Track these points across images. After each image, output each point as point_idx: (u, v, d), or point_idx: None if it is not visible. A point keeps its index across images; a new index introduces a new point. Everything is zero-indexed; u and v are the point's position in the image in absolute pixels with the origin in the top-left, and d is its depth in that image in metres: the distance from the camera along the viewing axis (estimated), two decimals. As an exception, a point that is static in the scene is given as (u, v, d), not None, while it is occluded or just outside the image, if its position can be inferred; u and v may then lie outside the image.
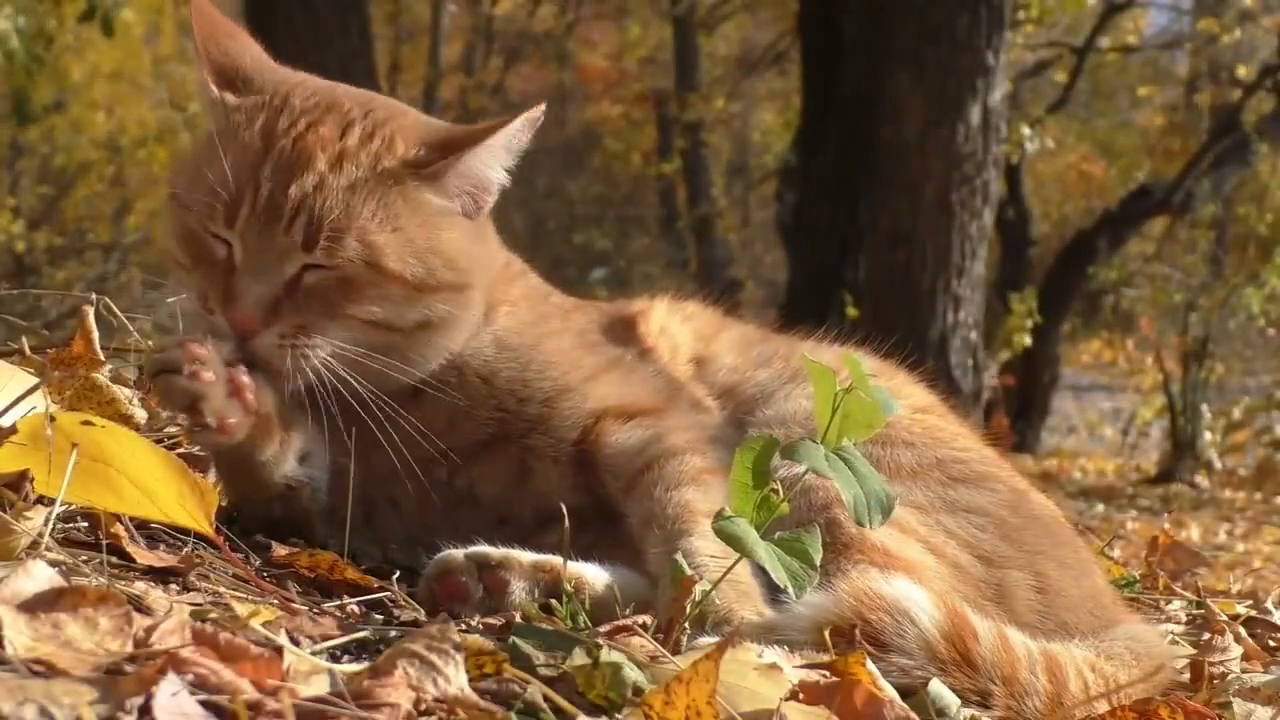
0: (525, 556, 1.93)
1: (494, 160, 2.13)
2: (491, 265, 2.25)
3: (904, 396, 2.31)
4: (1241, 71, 16.42)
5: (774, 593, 1.81)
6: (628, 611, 1.83)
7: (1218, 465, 14.54)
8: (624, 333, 2.36)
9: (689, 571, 1.77)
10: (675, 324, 2.44)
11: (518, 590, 1.90)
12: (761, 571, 1.79)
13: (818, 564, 1.76)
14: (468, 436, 2.18)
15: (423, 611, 1.86)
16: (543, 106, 2.13)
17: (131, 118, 20.10)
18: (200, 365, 1.95)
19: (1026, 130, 15.14)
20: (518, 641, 1.59)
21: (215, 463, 2.16)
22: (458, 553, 1.92)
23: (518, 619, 1.76)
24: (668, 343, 2.40)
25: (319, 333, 2.05)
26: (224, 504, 2.09)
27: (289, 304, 2.03)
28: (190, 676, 1.32)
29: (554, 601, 1.88)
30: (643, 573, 1.98)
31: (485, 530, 2.05)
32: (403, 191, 2.08)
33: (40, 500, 1.88)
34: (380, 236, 2.05)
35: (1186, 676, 2.11)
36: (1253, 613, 2.73)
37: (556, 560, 1.91)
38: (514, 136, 2.12)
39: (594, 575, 1.94)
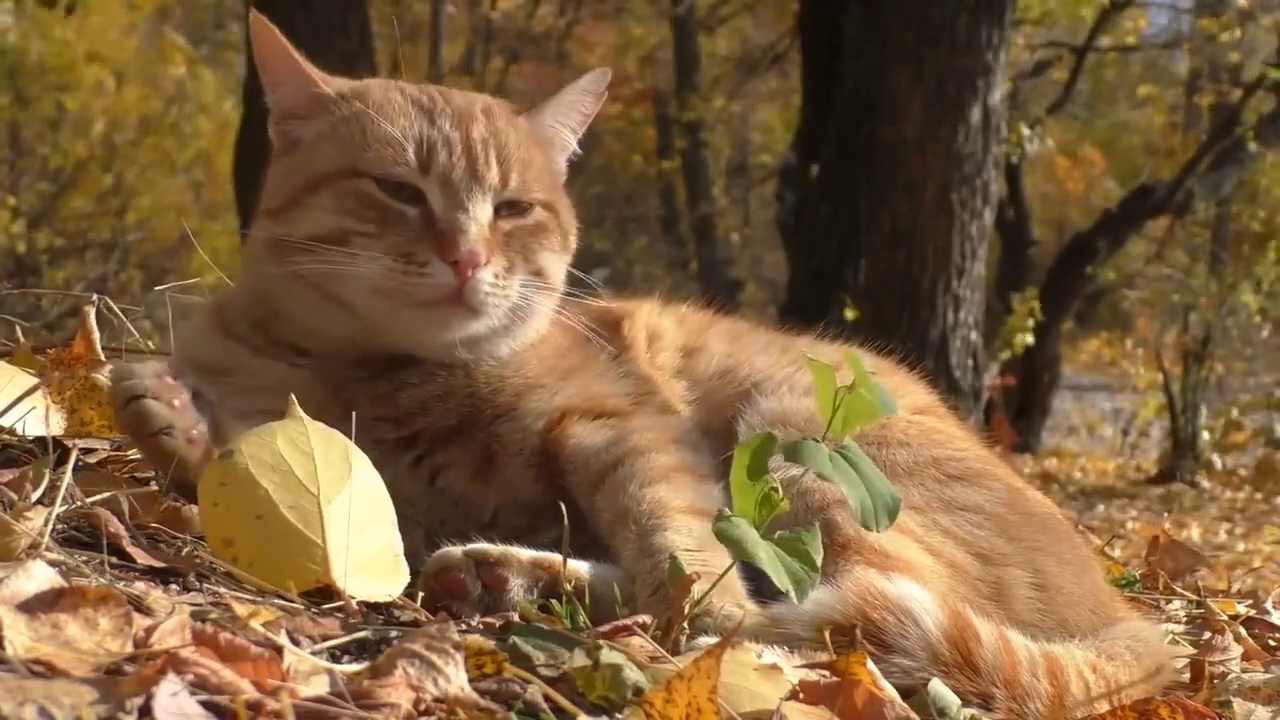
0: (524, 554, 1.93)
1: (563, 119, 2.31)
2: None
3: (904, 396, 2.30)
4: (1236, 57, 16.40)
5: (772, 592, 1.81)
6: (627, 611, 1.83)
7: (1218, 465, 14.54)
8: (608, 333, 2.36)
9: (688, 571, 1.77)
10: (664, 321, 2.45)
11: (516, 587, 1.90)
12: (761, 572, 1.78)
13: (819, 565, 1.75)
14: (437, 421, 2.17)
15: (423, 612, 1.86)
16: (606, 71, 2.32)
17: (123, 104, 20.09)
18: (171, 393, 1.97)
19: (1026, 130, 15.14)
20: (518, 641, 1.59)
21: (177, 479, 2.12)
22: (456, 549, 1.92)
23: (517, 619, 1.76)
24: (652, 337, 2.40)
25: (515, 275, 2.15)
26: None
27: (495, 244, 2.11)
28: (190, 676, 1.32)
29: (554, 602, 1.88)
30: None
31: (471, 531, 2.05)
32: (538, 146, 2.25)
33: (40, 500, 1.88)
34: (545, 173, 2.23)
35: (1187, 676, 2.11)
36: (1253, 612, 2.73)
37: (555, 558, 1.91)
38: (579, 96, 2.31)
39: (593, 573, 1.94)
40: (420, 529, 2.07)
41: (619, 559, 1.97)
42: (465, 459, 2.17)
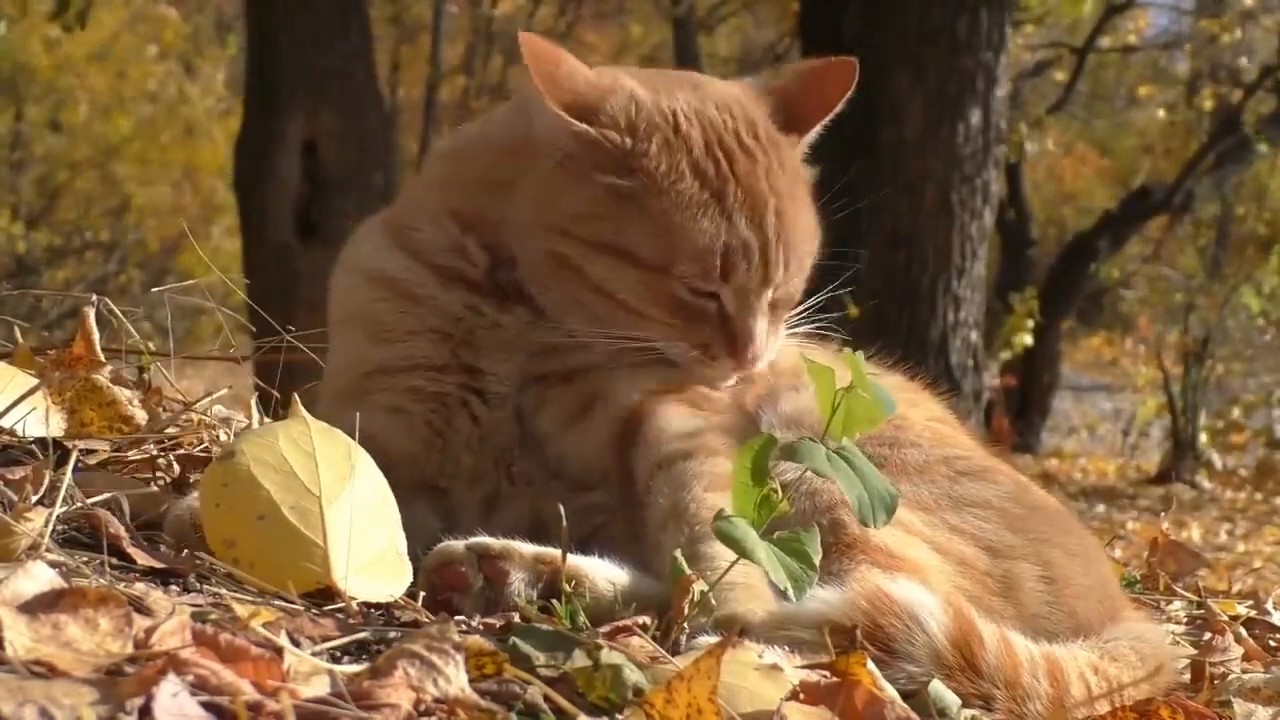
0: (526, 548, 1.92)
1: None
2: None
3: (918, 405, 2.32)
4: (1243, 62, 16.42)
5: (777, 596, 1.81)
6: (629, 611, 1.83)
7: (1218, 465, 14.55)
8: None
9: (688, 571, 1.77)
10: None
11: (517, 581, 1.89)
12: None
13: (817, 565, 1.75)
14: (557, 364, 2.19)
15: (423, 613, 1.86)
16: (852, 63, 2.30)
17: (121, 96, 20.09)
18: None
19: (1026, 130, 15.14)
20: (518, 642, 1.59)
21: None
22: (457, 543, 1.92)
23: (518, 619, 1.76)
24: None
25: (781, 333, 2.23)
26: None
27: (769, 328, 2.18)
28: (190, 677, 1.32)
29: (554, 602, 1.87)
30: (648, 565, 1.97)
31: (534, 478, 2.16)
32: (799, 179, 2.23)
33: (40, 501, 1.88)
34: (813, 228, 2.24)
35: (1187, 677, 2.11)
36: (1253, 613, 2.73)
37: (557, 553, 1.91)
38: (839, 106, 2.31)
39: (595, 571, 1.93)
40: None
41: (659, 552, 1.96)
42: (563, 408, 2.19)
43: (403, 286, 2.24)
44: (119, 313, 2.81)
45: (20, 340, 2.77)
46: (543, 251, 2.16)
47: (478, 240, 2.23)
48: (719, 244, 2.09)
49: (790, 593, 1.73)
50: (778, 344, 2.22)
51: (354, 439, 1.91)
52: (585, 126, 2.09)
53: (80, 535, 1.91)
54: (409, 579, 1.87)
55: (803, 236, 2.19)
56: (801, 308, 2.29)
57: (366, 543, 1.83)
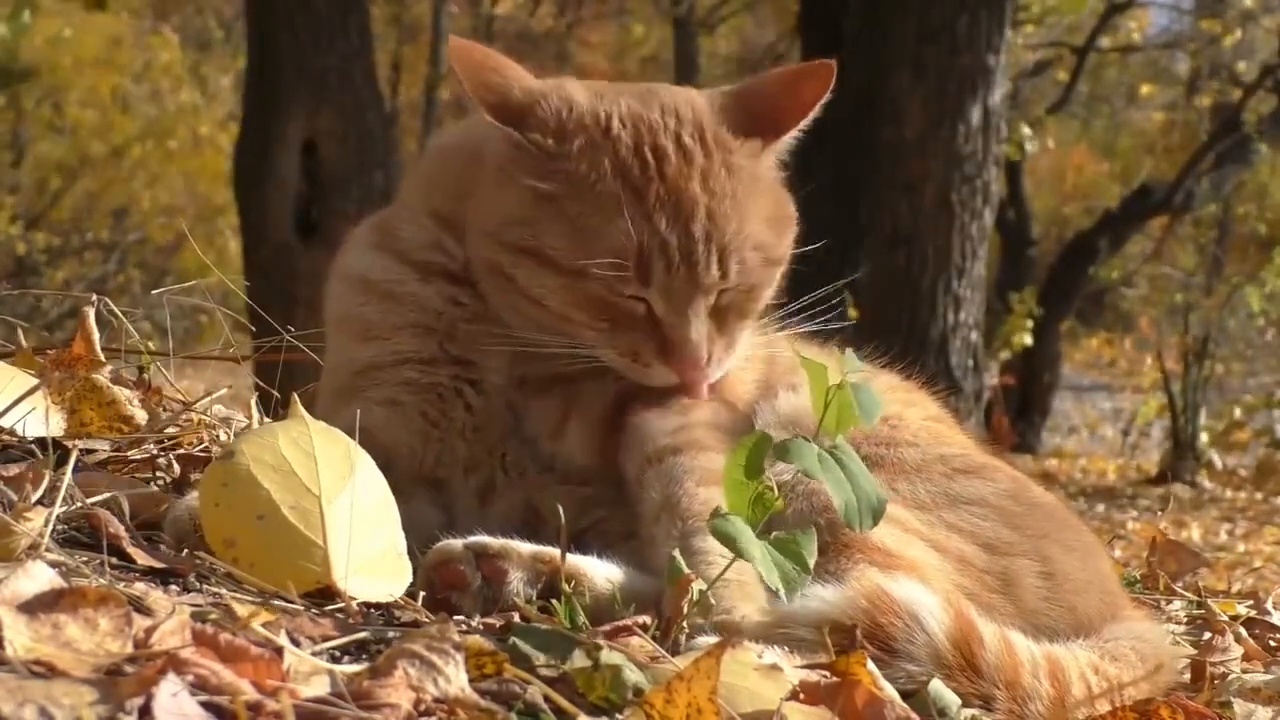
0: (524, 547, 1.93)
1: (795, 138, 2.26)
2: None
3: (915, 404, 2.32)
4: (1241, 68, 16.42)
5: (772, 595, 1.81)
6: (628, 610, 1.83)
7: (1218, 465, 14.54)
8: None
9: (686, 570, 1.77)
10: None
11: (516, 580, 1.90)
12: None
13: (811, 565, 1.75)
14: (534, 370, 2.19)
15: (423, 612, 1.86)
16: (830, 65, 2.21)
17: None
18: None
19: (1026, 130, 15.14)
20: (518, 642, 1.59)
21: None
22: (456, 542, 1.92)
23: (517, 619, 1.76)
24: None
25: (737, 343, 2.16)
26: None
27: (714, 329, 2.12)
28: (190, 677, 1.32)
29: (553, 601, 1.87)
30: (642, 560, 1.97)
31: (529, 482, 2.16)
32: (753, 175, 2.15)
33: (40, 501, 1.88)
34: (765, 232, 2.15)
35: (1187, 677, 2.11)
36: (1253, 613, 2.73)
37: (556, 552, 1.91)
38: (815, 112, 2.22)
39: (594, 569, 1.93)
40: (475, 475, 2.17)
41: (652, 546, 1.97)
42: (549, 410, 2.20)
43: (383, 288, 2.25)
44: (119, 313, 2.81)
45: (20, 340, 2.78)
46: (483, 259, 2.17)
47: (455, 238, 2.25)
48: (634, 244, 2.05)
49: (782, 594, 1.73)
50: (734, 351, 2.17)
51: (353, 437, 1.91)
52: (510, 130, 2.08)
53: (80, 535, 1.91)
54: (409, 579, 1.87)
55: (747, 239, 2.11)
56: (799, 307, 2.29)
57: (366, 542, 1.83)
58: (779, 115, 2.20)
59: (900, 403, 2.26)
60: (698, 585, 1.76)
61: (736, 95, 2.23)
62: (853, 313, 9.85)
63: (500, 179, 2.13)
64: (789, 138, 2.22)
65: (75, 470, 1.97)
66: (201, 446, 2.46)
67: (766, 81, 2.28)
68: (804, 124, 2.22)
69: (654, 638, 1.70)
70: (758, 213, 2.14)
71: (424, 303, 2.23)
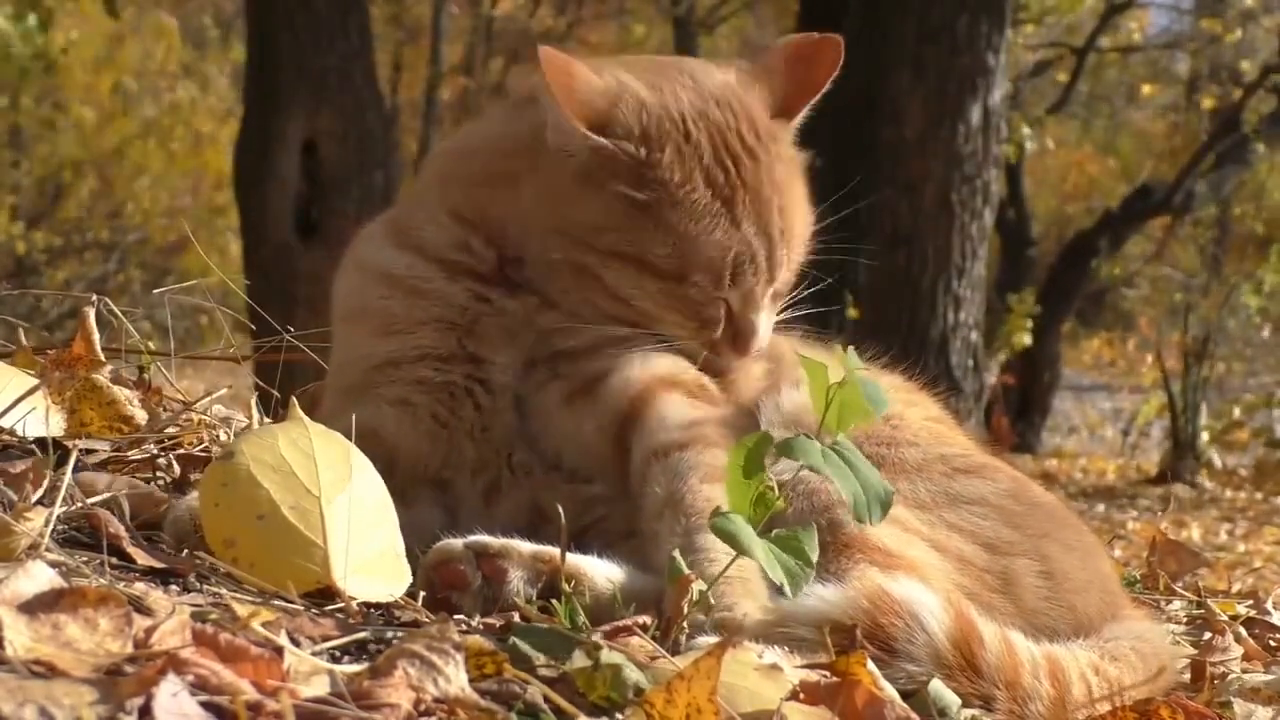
0: (524, 547, 1.93)
1: None
2: None
3: (916, 404, 2.32)
4: (1245, 66, 16.42)
5: (774, 593, 1.81)
6: (629, 610, 1.83)
7: (1218, 464, 14.54)
8: None
9: (686, 570, 1.77)
10: None
11: (516, 580, 1.90)
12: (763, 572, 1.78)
13: (814, 562, 1.75)
14: (566, 343, 2.21)
15: (423, 612, 1.86)
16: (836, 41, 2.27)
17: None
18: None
19: (1026, 130, 15.14)
20: (518, 642, 1.59)
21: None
22: (456, 541, 1.92)
23: (518, 619, 1.76)
24: None
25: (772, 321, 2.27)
26: None
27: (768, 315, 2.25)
28: (190, 677, 1.32)
29: (553, 601, 1.87)
30: (643, 557, 1.97)
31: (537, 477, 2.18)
32: (794, 166, 2.26)
33: (40, 501, 1.88)
34: (808, 216, 2.28)
35: (1187, 677, 2.11)
36: (1253, 613, 2.73)
37: (556, 551, 1.91)
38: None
39: (594, 569, 1.93)
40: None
41: (654, 542, 1.96)
42: (553, 394, 2.21)
43: (408, 283, 2.25)
44: (119, 313, 2.81)
45: (21, 340, 2.78)
46: (559, 258, 2.18)
47: (482, 238, 2.24)
48: (730, 254, 2.15)
49: (787, 589, 1.73)
50: (770, 326, 2.28)
51: (352, 439, 1.91)
52: (603, 140, 2.11)
53: (80, 535, 1.91)
54: (408, 580, 1.87)
55: (801, 229, 2.25)
56: (797, 304, 2.31)
57: (366, 543, 1.83)
58: (795, 94, 2.27)
59: (901, 403, 2.26)
60: (698, 585, 1.76)
61: (756, 75, 2.27)
62: (853, 313, 9.86)
63: (581, 184, 2.14)
64: (802, 114, 2.29)
65: (75, 470, 1.97)
66: (201, 446, 2.46)
67: (779, 58, 2.29)
68: (816, 100, 2.28)
69: (654, 637, 1.70)
70: (802, 198, 2.26)
71: (450, 298, 2.24)
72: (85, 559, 1.76)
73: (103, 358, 2.51)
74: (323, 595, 1.79)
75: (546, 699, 1.49)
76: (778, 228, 2.18)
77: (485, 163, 2.27)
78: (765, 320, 2.23)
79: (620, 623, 1.71)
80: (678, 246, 2.13)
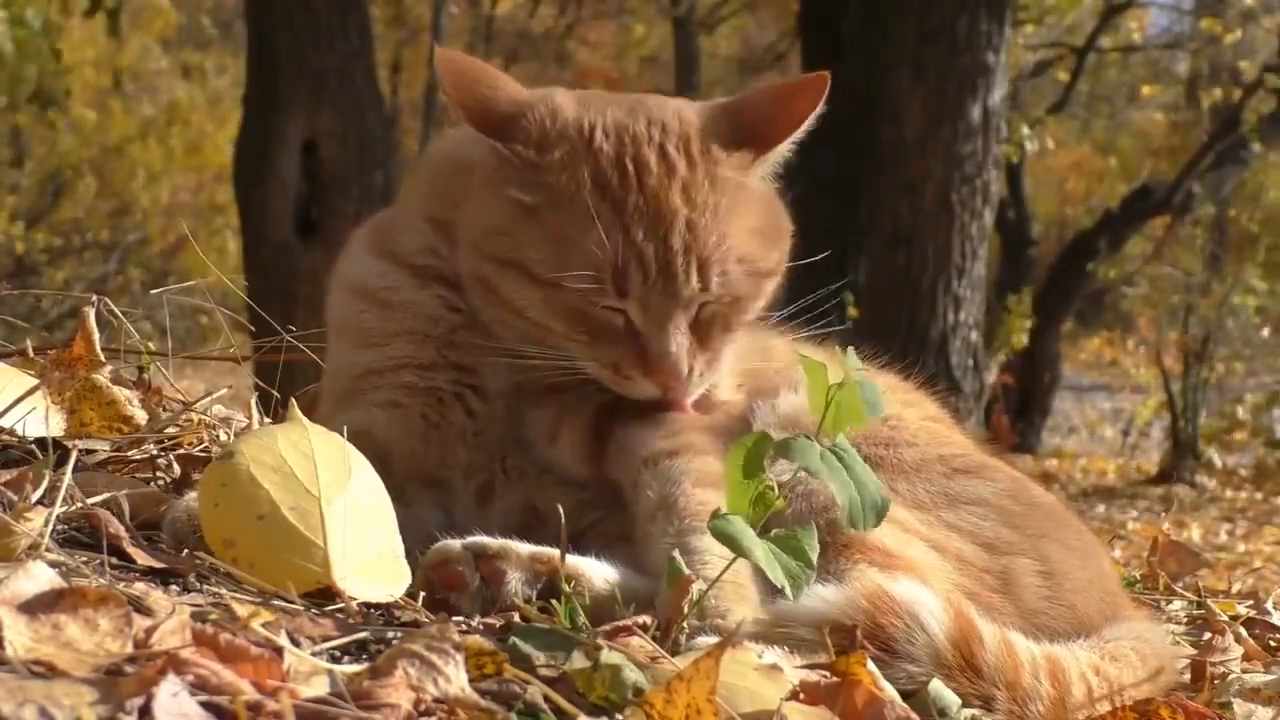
0: (523, 548, 1.93)
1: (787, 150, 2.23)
2: None
3: (914, 404, 2.32)
4: (1245, 66, 16.41)
5: (773, 594, 1.81)
6: (628, 610, 1.83)
7: (1218, 464, 14.54)
8: None
9: (686, 571, 1.77)
10: None
11: (514, 580, 1.90)
12: (760, 573, 1.78)
13: (814, 563, 1.75)
14: (528, 379, 2.19)
15: (423, 613, 1.86)
16: (824, 77, 2.19)
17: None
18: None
19: (1026, 130, 15.15)
20: (518, 642, 1.59)
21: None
22: (455, 542, 1.92)
23: (517, 619, 1.76)
24: None
25: (722, 356, 2.15)
26: None
27: (696, 343, 2.10)
28: (190, 677, 1.32)
29: (553, 602, 1.87)
30: (638, 561, 1.97)
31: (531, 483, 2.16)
32: (740, 187, 2.13)
33: (40, 501, 1.88)
34: (751, 244, 2.12)
35: (1187, 677, 2.11)
36: (1253, 613, 2.73)
37: (554, 552, 1.91)
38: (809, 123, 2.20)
39: (592, 570, 1.93)
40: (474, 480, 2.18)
41: (647, 545, 1.96)
42: (544, 416, 2.20)
43: (380, 296, 2.25)
44: (119, 313, 2.81)
45: (21, 340, 2.78)
46: (468, 270, 2.17)
47: (449, 244, 2.24)
48: (611, 258, 2.03)
49: (788, 591, 1.73)
50: (719, 365, 2.16)
51: (351, 442, 1.92)
52: (494, 142, 2.07)
53: (80, 535, 1.91)
54: (407, 581, 1.87)
55: (730, 251, 2.08)
56: (797, 308, 2.30)
57: (365, 543, 1.84)
58: (771, 127, 2.18)
59: (900, 403, 2.26)
60: (698, 586, 1.76)
61: (728, 107, 2.22)
62: (853, 313, 9.87)
63: (485, 190, 2.12)
64: (781, 150, 2.20)
65: (75, 470, 1.97)
66: (201, 446, 2.46)
67: (760, 93, 2.27)
68: (796, 136, 2.20)
69: (653, 638, 1.70)
70: (744, 225, 2.12)
71: (420, 309, 2.23)
72: (85, 559, 1.76)
73: (103, 358, 2.51)
74: (323, 595, 1.79)
75: (546, 699, 1.49)
76: (682, 239, 2.04)
77: (450, 172, 2.27)
78: (679, 342, 2.07)
79: (620, 623, 1.71)
80: (554, 248, 2.05)
